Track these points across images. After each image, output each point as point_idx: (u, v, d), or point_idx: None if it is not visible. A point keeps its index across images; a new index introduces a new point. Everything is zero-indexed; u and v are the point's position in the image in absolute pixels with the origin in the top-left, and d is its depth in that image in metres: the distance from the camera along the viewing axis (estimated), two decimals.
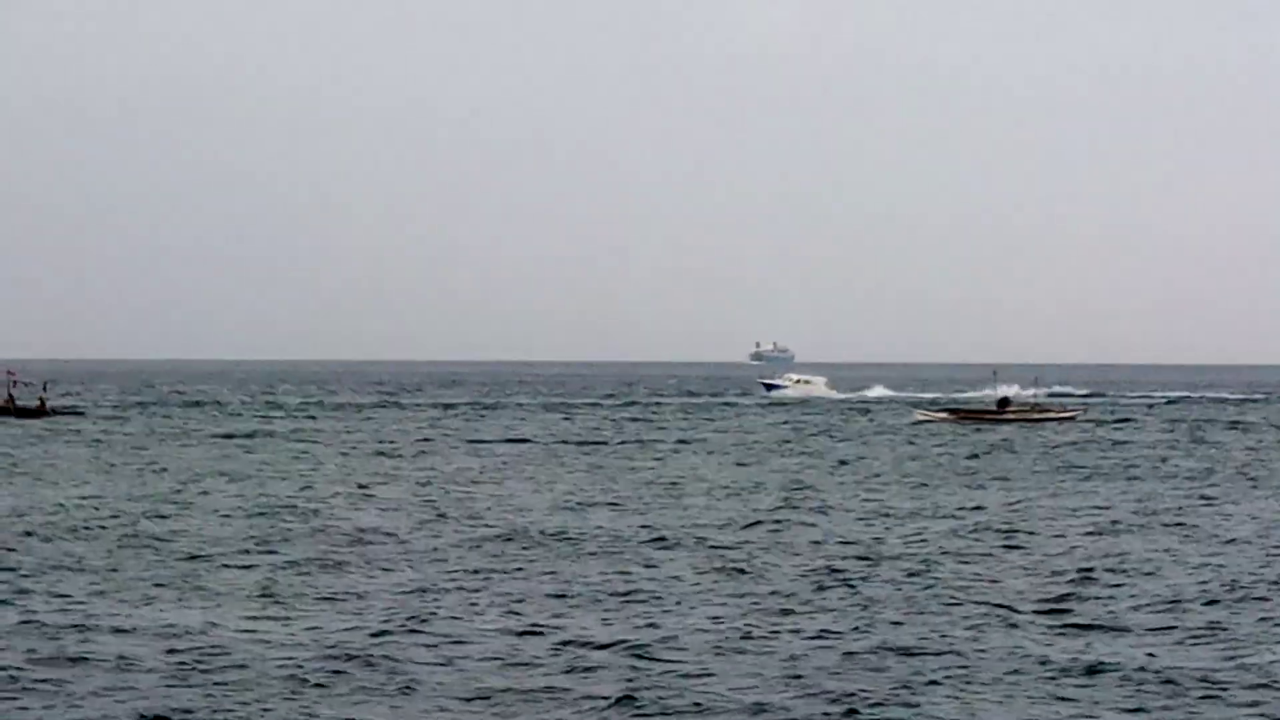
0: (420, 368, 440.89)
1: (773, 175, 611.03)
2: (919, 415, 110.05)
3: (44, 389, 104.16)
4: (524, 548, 38.64)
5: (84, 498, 50.20)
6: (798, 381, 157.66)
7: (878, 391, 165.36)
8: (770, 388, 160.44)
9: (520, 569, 34.86)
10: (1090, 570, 34.89)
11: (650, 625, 27.82)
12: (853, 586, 32.42)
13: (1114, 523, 45.06)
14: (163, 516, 44.86)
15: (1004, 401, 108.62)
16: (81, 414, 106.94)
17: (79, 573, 33.83)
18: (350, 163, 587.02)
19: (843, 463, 69.32)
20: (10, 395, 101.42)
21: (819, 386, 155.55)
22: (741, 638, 26.66)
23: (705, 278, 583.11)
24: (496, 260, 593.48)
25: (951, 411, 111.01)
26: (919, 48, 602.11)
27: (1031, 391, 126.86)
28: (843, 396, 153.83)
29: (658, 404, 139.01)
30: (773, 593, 31.60)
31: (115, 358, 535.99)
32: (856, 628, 27.78)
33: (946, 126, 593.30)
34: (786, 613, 29.26)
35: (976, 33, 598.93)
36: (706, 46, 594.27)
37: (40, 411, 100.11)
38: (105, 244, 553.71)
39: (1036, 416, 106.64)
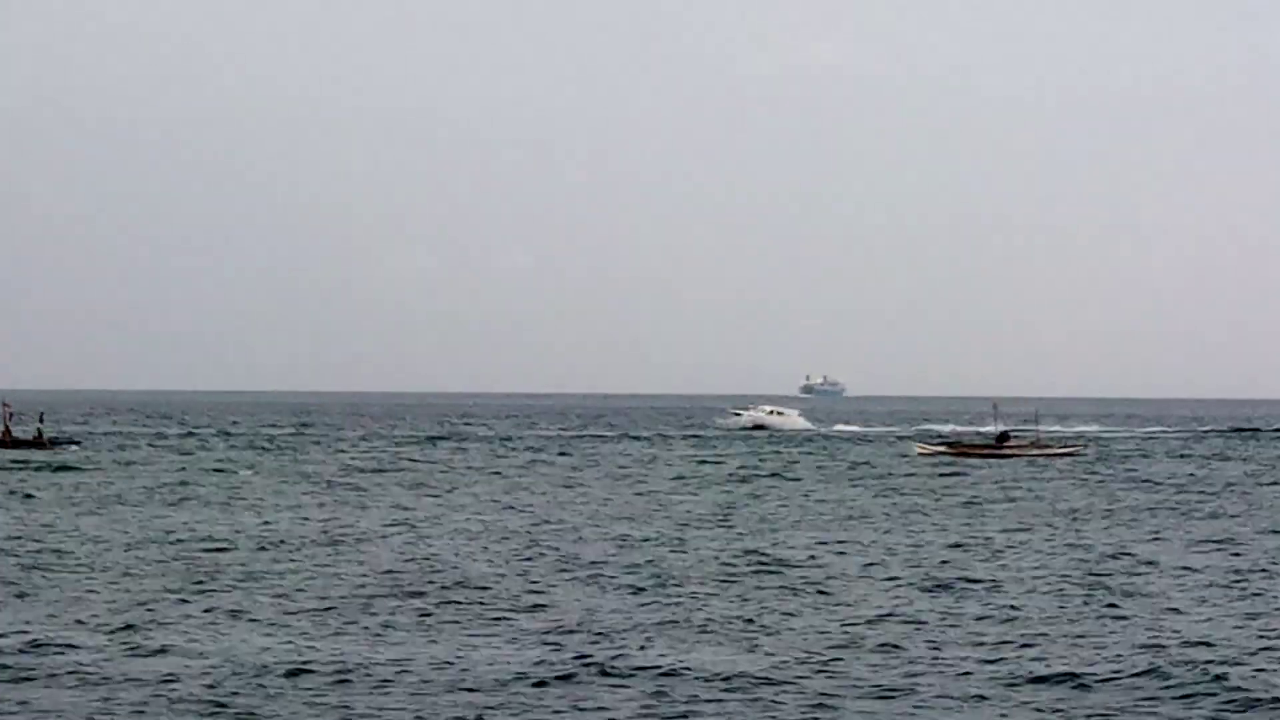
0: (485, 400, 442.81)
1: (825, 207, 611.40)
2: (919, 449, 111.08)
3: (40, 420, 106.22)
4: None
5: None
6: (771, 413, 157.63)
7: (848, 426, 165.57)
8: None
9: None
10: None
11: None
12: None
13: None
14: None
15: (1003, 436, 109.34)
16: (78, 444, 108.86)
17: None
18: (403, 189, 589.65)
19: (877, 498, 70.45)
20: (7, 428, 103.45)
21: (792, 418, 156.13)
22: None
23: (755, 310, 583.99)
24: (540, 291, 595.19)
25: (951, 445, 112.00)
26: (976, 77, 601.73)
27: (1032, 427, 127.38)
28: (813, 429, 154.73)
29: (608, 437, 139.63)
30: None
31: (120, 389, 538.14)
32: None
33: (1011, 157, 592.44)
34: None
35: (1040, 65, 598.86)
36: (749, 70, 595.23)
37: (37, 443, 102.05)
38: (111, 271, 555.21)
39: (1036, 452, 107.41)
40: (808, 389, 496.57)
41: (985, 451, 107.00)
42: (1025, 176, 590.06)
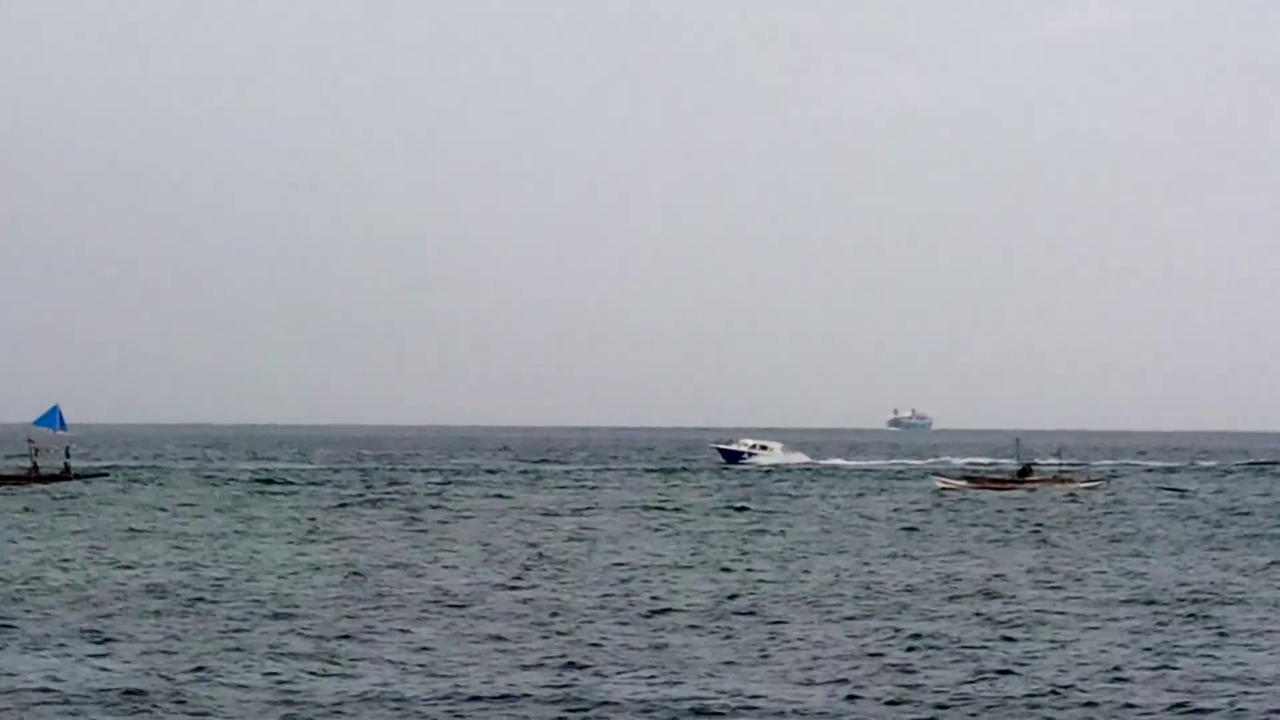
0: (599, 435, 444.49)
1: (912, 239, 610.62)
2: (939, 483, 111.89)
3: (67, 454, 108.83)
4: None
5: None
6: (754, 447, 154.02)
7: (834, 460, 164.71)
8: (728, 455, 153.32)
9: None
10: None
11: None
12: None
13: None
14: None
15: (1026, 470, 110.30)
16: (106, 475, 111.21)
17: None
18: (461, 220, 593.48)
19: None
20: (34, 464, 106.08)
21: (776, 453, 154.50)
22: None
23: (844, 344, 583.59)
24: (618, 323, 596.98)
25: (971, 479, 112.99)
26: (1059, 112, 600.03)
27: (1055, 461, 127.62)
28: (802, 463, 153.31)
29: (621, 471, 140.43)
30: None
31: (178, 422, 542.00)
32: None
33: (1090, 191, 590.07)
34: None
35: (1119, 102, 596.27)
36: (831, 103, 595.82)
37: (64, 476, 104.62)
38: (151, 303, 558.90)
39: (1060, 486, 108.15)
40: (895, 422, 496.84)
41: (1007, 484, 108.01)
42: (1113, 211, 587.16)
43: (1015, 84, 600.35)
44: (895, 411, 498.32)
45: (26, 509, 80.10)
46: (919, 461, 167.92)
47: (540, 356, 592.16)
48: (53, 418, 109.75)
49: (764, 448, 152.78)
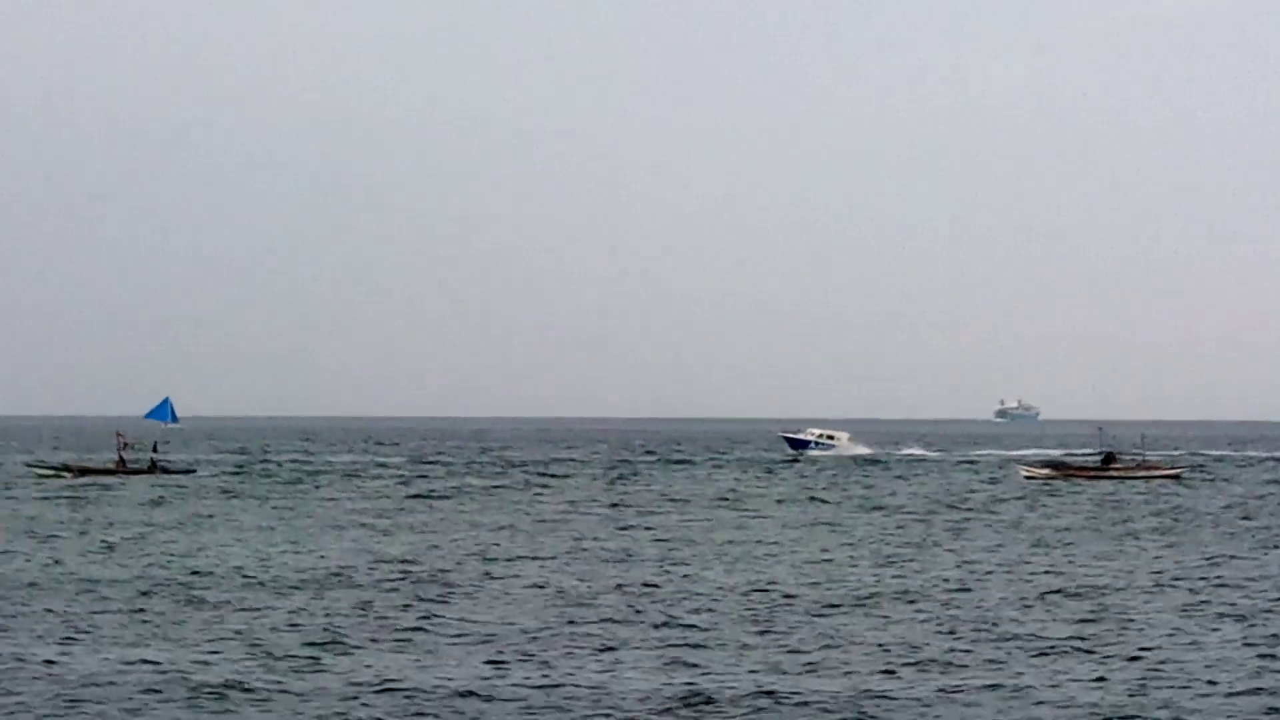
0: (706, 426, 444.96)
1: (1018, 229, 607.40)
2: (1024, 472, 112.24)
3: (154, 449, 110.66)
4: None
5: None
6: (820, 437, 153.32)
7: (911, 450, 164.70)
8: (794, 444, 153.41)
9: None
10: None
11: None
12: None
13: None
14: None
15: (1109, 458, 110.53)
16: (192, 471, 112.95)
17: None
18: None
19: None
20: (121, 457, 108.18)
21: (844, 443, 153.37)
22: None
23: (951, 334, 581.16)
24: (719, 309, 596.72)
25: (1056, 467, 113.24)
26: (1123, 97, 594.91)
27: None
28: (870, 453, 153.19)
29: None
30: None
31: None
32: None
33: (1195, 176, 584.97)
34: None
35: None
36: (938, 90, 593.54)
37: (150, 471, 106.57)
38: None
39: (1142, 474, 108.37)
40: (1002, 413, 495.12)
41: (1091, 473, 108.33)
42: (1228, 196, 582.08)
43: (1122, 68, 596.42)
44: (1001, 402, 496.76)
45: (109, 503, 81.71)
46: (1004, 451, 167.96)
47: (650, 349, 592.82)
48: (164, 410, 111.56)
49: (830, 438, 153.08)
